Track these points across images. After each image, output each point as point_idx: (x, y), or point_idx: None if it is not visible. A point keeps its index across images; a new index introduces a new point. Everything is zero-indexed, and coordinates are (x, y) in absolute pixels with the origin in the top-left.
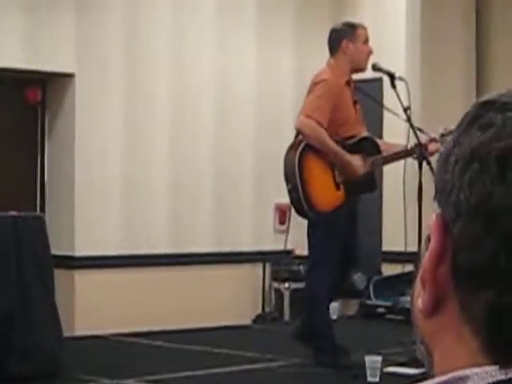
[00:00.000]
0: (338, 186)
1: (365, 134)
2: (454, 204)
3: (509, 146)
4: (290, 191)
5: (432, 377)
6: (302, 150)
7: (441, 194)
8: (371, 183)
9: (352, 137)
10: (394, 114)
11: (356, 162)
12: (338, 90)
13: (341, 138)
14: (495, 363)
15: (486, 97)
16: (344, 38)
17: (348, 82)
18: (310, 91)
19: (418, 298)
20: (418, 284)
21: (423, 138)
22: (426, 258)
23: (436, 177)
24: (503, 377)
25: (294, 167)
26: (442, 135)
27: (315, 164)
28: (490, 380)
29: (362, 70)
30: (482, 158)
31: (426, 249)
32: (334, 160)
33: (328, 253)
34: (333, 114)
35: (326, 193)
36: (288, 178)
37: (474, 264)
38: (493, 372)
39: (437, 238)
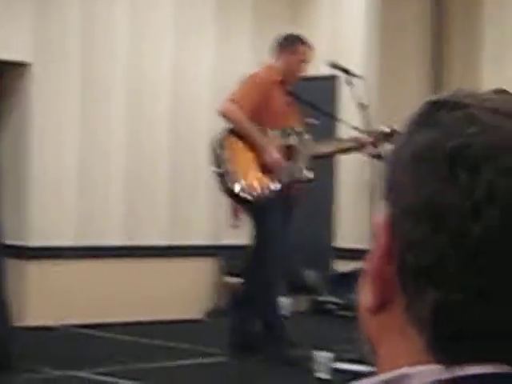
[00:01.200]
0: (264, 170)
1: (296, 127)
2: (402, 203)
3: (458, 145)
4: (218, 175)
5: (376, 374)
6: (225, 134)
7: (389, 193)
8: (297, 170)
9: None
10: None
11: (272, 147)
12: (268, 83)
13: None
14: (439, 362)
15: (436, 96)
16: (286, 47)
17: (282, 82)
18: (240, 83)
19: (364, 296)
20: (364, 281)
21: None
22: (373, 255)
23: (384, 175)
24: (448, 375)
25: (217, 151)
26: (387, 135)
27: (241, 148)
28: (435, 378)
29: (288, 82)
30: (431, 156)
31: (373, 246)
32: (254, 144)
33: (273, 234)
34: (260, 106)
35: (252, 176)
36: (215, 162)
37: (420, 264)
38: (437, 370)
39: (383, 237)
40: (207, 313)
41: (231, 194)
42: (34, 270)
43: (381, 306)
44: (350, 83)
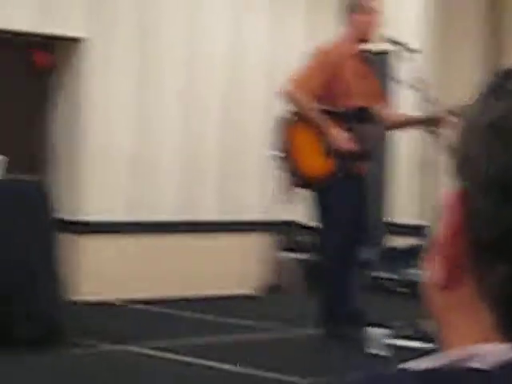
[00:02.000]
0: (328, 154)
1: (363, 104)
2: (472, 175)
3: None
4: (277, 158)
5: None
6: (286, 117)
7: (458, 165)
8: (364, 153)
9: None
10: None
11: (338, 133)
12: (336, 61)
13: (337, 108)
14: (508, 341)
15: (505, 67)
16: (349, 9)
17: (355, 54)
18: (307, 61)
19: (433, 271)
20: (432, 256)
21: (439, 109)
22: (442, 229)
23: (454, 148)
24: None
25: (279, 134)
26: (450, 111)
27: (303, 131)
28: (504, 358)
29: (366, 40)
30: (505, 127)
31: (441, 220)
32: (317, 127)
33: (339, 214)
34: (329, 84)
35: (314, 160)
36: (275, 145)
37: (491, 237)
38: (507, 350)
39: (453, 210)
40: (260, 288)
41: (292, 177)
42: (88, 244)
43: (449, 282)
44: (408, 58)
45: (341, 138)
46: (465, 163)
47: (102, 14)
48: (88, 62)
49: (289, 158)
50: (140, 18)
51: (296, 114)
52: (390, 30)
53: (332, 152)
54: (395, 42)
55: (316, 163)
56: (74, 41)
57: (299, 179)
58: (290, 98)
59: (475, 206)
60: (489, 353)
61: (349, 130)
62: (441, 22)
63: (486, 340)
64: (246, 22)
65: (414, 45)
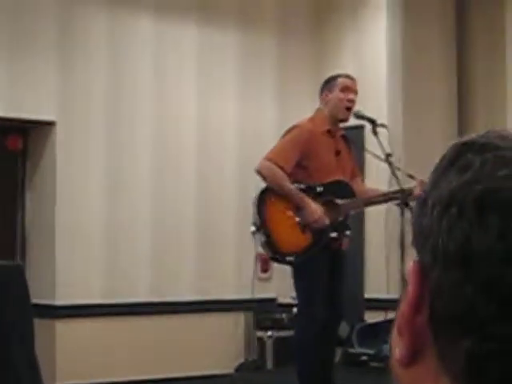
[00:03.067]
0: (303, 229)
1: (338, 178)
2: (432, 250)
3: (487, 188)
4: (253, 234)
5: None
6: (262, 193)
7: (418, 239)
8: (341, 227)
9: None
10: (378, 158)
11: (312, 206)
12: (310, 137)
13: (313, 184)
14: None
15: (464, 138)
16: (324, 89)
17: (329, 131)
18: (281, 137)
19: (396, 347)
20: (395, 332)
21: (411, 184)
22: (403, 305)
23: (413, 221)
24: None
25: (254, 209)
26: (422, 184)
27: (277, 206)
28: None
29: (341, 119)
30: (460, 201)
31: (404, 296)
32: (294, 203)
33: (309, 300)
34: (304, 161)
35: (290, 235)
36: (253, 220)
37: (452, 312)
38: None
39: (414, 285)
40: (237, 367)
41: (269, 255)
42: (63, 328)
43: (412, 358)
44: (375, 133)
45: (315, 212)
46: (424, 237)
47: (73, 98)
48: (59, 145)
49: (266, 233)
50: (110, 101)
51: (271, 189)
52: (358, 106)
53: (308, 226)
54: (364, 117)
55: (293, 238)
56: (46, 124)
57: (277, 255)
58: (267, 173)
59: (436, 280)
60: None
61: (325, 204)
62: (409, 95)
63: None
64: (215, 102)
65: (382, 119)
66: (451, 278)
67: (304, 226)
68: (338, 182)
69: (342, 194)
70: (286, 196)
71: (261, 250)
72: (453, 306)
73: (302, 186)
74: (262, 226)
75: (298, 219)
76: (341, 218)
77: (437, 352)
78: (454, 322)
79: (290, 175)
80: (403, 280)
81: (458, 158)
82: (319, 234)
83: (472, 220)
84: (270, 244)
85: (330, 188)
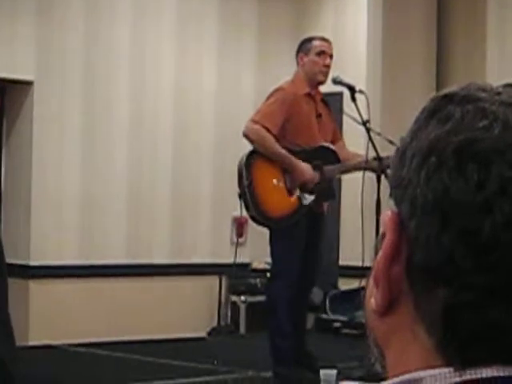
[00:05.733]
0: (290, 192)
1: (323, 143)
2: (410, 200)
3: (467, 139)
4: (240, 196)
5: (385, 379)
6: (249, 156)
7: (396, 190)
8: (327, 191)
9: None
10: (356, 121)
11: (304, 167)
12: (293, 99)
13: (296, 147)
14: (449, 364)
15: (445, 90)
16: (300, 51)
17: (309, 94)
18: (265, 100)
19: (371, 298)
20: (370, 283)
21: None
22: (380, 255)
23: (392, 172)
24: (457, 379)
25: (241, 172)
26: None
27: (264, 169)
28: (445, 382)
29: (318, 82)
30: (440, 151)
31: (380, 246)
32: (281, 165)
33: (286, 263)
34: (287, 123)
35: (276, 198)
36: (238, 183)
37: (429, 262)
38: (447, 374)
39: (391, 236)
40: (211, 331)
41: (252, 217)
42: (37, 288)
43: (388, 308)
44: (353, 99)
45: (307, 172)
46: (402, 187)
47: (51, 57)
48: (36, 105)
49: (252, 197)
50: (88, 60)
51: (256, 152)
52: (337, 72)
53: (296, 189)
54: (342, 83)
55: (279, 202)
56: (23, 84)
57: (262, 218)
58: (255, 137)
59: (413, 230)
60: (431, 377)
61: (312, 168)
62: (388, 61)
63: (428, 364)
64: (193, 70)
65: (361, 85)
66: (429, 229)
67: (290, 190)
68: (324, 148)
69: (327, 160)
70: (275, 159)
71: (237, 214)
72: (430, 256)
73: (288, 148)
74: (249, 189)
75: (284, 183)
76: (327, 184)
77: (413, 301)
78: (430, 272)
79: (275, 137)
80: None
81: (438, 109)
82: (306, 196)
83: (451, 170)
84: (256, 208)
85: (316, 153)
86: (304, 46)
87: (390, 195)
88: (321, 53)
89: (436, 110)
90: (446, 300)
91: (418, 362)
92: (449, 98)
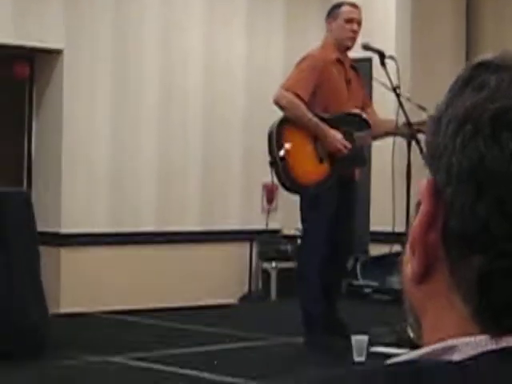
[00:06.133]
0: (321, 160)
1: (353, 110)
2: (446, 168)
3: (503, 106)
4: (271, 164)
5: (421, 346)
6: (280, 123)
7: (432, 158)
8: (358, 158)
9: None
10: (386, 87)
11: (335, 135)
12: (324, 65)
13: (327, 114)
14: (485, 332)
15: (479, 58)
16: (329, 16)
17: (339, 60)
18: (295, 67)
19: (407, 265)
20: (407, 250)
21: (422, 117)
22: (416, 223)
23: (427, 140)
24: (493, 346)
25: (272, 140)
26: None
27: (295, 136)
28: (480, 350)
29: (346, 48)
30: (476, 119)
31: (416, 214)
32: (313, 133)
33: (316, 230)
34: (318, 89)
35: (307, 165)
36: (269, 150)
37: (465, 229)
38: (483, 341)
39: (427, 203)
40: (242, 298)
41: (283, 184)
42: (68, 256)
43: (425, 275)
44: (383, 64)
45: (339, 140)
46: (438, 155)
47: (80, 26)
48: (66, 74)
49: (284, 164)
50: (118, 30)
51: (287, 119)
52: (367, 38)
53: (327, 156)
54: (372, 49)
55: (311, 169)
56: (54, 52)
57: (294, 185)
58: (285, 104)
59: (449, 199)
60: (466, 345)
61: (343, 134)
62: (418, 28)
63: (464, 331)
64: (222, 35)
65: (390, 51)
66: (464, 197)
67: (321, 157)
68: (354, 114)
69: (358, 126)
70: (305, 126)
71: (267, 180)
72: (466, 223)
73: (319, 115)
74: (279, 156)
75: (315, 150)
76: (358, 151)
77: (449, 268)
78: (466, 239)
79: (306, 104)
80: (409, 214)
81: (473, 77)
82: (337, 164)
83: (487, 138)
84: (287, 175)
85: (347, 119)
86: (333, 12)
87: (426, 163)
88: (349, 20)
89: (471, 78)
90: (481, 267)
91: (453, 329)
92: (483, 66)
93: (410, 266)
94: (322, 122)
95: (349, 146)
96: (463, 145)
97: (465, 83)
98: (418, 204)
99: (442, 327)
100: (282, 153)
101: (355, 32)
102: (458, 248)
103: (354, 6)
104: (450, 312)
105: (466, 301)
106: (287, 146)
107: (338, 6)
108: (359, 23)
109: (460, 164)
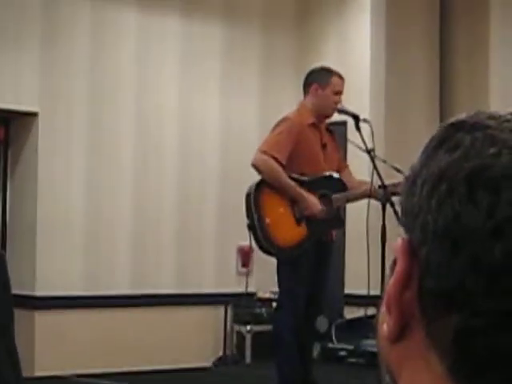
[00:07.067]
0: (298, 222)
1: (329, 172)
2: (421, 227)
3: (477, 165)
4: (249, 227)
5: None
6: (258, 186)
7: (407, 218)
8: (336, 220)
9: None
10: (361, 149)
11: (312, 199)
12: (300, 129)
13: (303, 176)
14: None
15: (453, 119)
16: (315, 81)
17: (314, 124)
18: (271, 130)
19: (383, 324)
20: (382, 310)
21: (395, 179)
22: (391, 282)
23: (402, 200)
24: None
25: (250, 202)
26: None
27: (273, 199)
28: None
29: (326, 116)
30: (451, 178)
31: (392, 274)
32: (290, 196)
33: (292, 293)
34: (294, 152)
35: (285, 228)
36: (246, 213)
37: (441, 288)
38: None
39: (402, 262)
40: (216, 361)
41: (261, 247)
42: (42, 319)
43: (401, 334)
44: (358, 128)
45: (315, 204)
46: (413, 215)
47: (55, 89)
48: (41, 136)
49: (261, 226)
50: (93, 93)
51: (264, 182)
52: (342, 101)
53: (305, 218)
54: (347, 113)
55: (288, 231)
56: (28, 115)
57: (271, 247)
58: (263, 167)
59: (425, 257)
60: None
61: (320, 197)
62: (391, 91)
63: None
64: (197, 95)
65: (364, 111)
66: (440, 254)
67: (299, 219)
68: (331, 177)
69: (334, 188)
70: (282, 190)
71: (242, 243)
72: (442, 282)
73: (295, 178)
74: (258, 219)
75: (292, 212)
76: (335, 212)
77: (425, 327)
78: (442, 297)
79: (284, 167)
80: (383, 277)
81: (447, 137)
82: (314, 227)
83: (462, 197)
84: (266, 238)
85: (323, 182)
86: (321, 78)
87: (400, 223)
88: (337, 92)
89: (445, 138)
90: (457, 326)
91: None
92: (458, 126)
93: (385, 325)
94: (299, 184)
95: (324, 212)
96: (438, 204)
97: (439, 144)
98: (394, 263)
99: None
100: (255, 213)
101: (340, 102)
102: (434, 306)
103: (341, 78)
104: (426, 371)
105: (442, 359)
106: (264, 208)
107: (326, 73)
108: (342, 94)
109: (435, 222)
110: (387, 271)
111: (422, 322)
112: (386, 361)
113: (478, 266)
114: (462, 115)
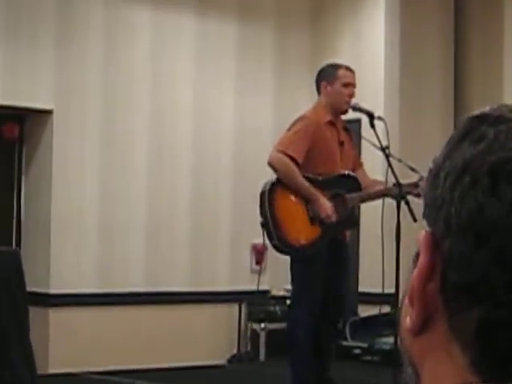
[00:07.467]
0: (312, 221)
1: (345, 171)
2: (444, 219)
3: (501, 158)
4: (263, 225)
5: None
6: (272, 184)
7: (430, 210)
8: (350, 220)
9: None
10: (375, 146)
11: (323, 200)
12: (317, 128)
13: (319, 176)
14: (484, 382)
15: (477, 111)
16: (323, 79)
17: (331, 122)
18: (288, 129)
19: (406, 317)
20: (405, 302)
21: (410, 179)
22: (415, 275)
23: (425, 193)
24: None
25: (264, 200)
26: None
27: (287, 198)
28: None
29: (342, 112)
30: (474, 171)
31: (414, 266)
32: (304, 196)
33: (306, 290)
34: (310, 152)
35: (299, 227)
36: (260, 211)
37: (464, 280)
38: None
39: (426, 255)
40: (230, 359)
41: (274, 245)
42: (56, 317)
43: (423, 326)
44: (372, 125)
45: (327, 208)
46: (436, 207)
47: (70, 86)
48: (56, 134)
49: (275, 225)
50: (107, 90)
51: (279, 181)
52: (356, 98)
53: (319, 218)
54: (361, 110)
55: (302, 230)
56: (42, 113)
57: (284, 246)
58: (279, 166)
59: (448, 250)
60: None
61: (334, 197)
62: (406, 88)
63: (463, 381)
64: (212, 94)
65: (379, 109)
66: (464, 247)
67: (313, 219)
68: (346, 176)
69: (349, 188)
70: (297, 189)
71: (255, 241)
72: (464, 274)
73: (310, 177)
74: (271, 217)
75: (306, 211)
76: (349, 212)
77: (447, 320)
78: (465, 290)
79: (300, 166)
80: (398, 275)
81: (471, 130)
82: (328, 226)
83: (485, 189)
84: (279, 236)
85: (338, 181)
86: (328, 74)
87: (424, 215)
88: (346, 84)
89: (469, 131)
90: (480, 318)
91: (452, 379)
92: (481, 118)
93: (408, 317)
94: (314, 184)
95: (334, 219)
96: (462, 196)
97: (463, 136)
98: (417, 256)
99: (442, 378)
100: (269, 212)
101: (352, 96)
102: (456, 299)
103: (349, 69)
104: (449, 363)
105: (465, 351)
106: (278, 206)
107: (332, 67)
108: (355, 86)
109: (459, 214)
110: (402, 270)
111: (445, 315)
112: (409, 353)
113: (502, 258)
114: (485, 108)
